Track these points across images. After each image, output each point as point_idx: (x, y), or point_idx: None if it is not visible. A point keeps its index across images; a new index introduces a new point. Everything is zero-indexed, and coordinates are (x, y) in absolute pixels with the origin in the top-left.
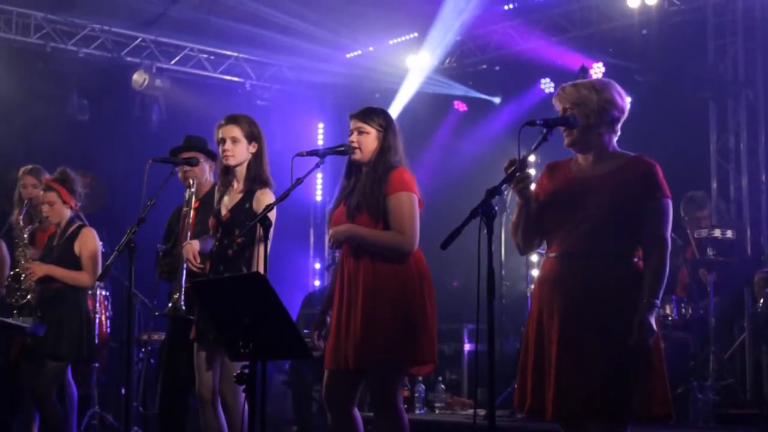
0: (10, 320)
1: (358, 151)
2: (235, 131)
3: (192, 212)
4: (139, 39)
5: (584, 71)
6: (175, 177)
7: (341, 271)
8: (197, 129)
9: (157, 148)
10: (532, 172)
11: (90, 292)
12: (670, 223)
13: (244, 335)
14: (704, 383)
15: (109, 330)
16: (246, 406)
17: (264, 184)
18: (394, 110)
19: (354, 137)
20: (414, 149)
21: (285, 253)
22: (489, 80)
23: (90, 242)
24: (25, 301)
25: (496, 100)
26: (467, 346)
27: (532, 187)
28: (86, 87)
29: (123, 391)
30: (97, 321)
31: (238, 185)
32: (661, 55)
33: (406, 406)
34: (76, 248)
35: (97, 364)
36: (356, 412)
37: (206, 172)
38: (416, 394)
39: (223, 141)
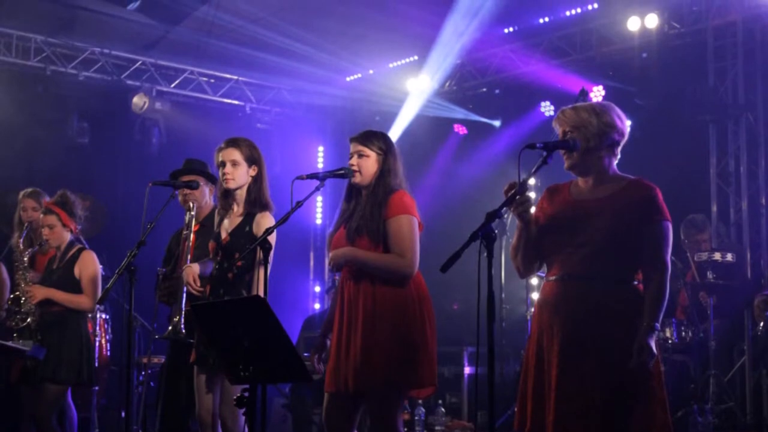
0: (10, 343)
1: (358, 174)
2: (235, 154)
3: (192, 235)
4: (139, 62)
5: (584, 94)
6: (175, 200)
7: (341, 295)
8: (197, 152)
9: (157, 171)
10: (532, 195)
11: (90, 315)
12: (670, 246)
13: (244, 358)
14: (704, 406)
15: (109, 353)
16: (246, 430)
17: (264, 207)
18: (394, 133)
19: (354, 160)
20: (414, 172)
21: (285, 276)
22: (489, 103)
23: (90, 265)
24: (25, 324)
25: (496, 123)
26: (467, 369)
27: (532, 210)
28: (86, 110)
29: (123, 414)
30: (97, 344)
31: (238, 208)
32: (661, 78)
33: (406, 429)
34: (76, 271)
35: (97, 388)
36: None
37: (206, 196)
38: (416, 417)
39: (223, 164)
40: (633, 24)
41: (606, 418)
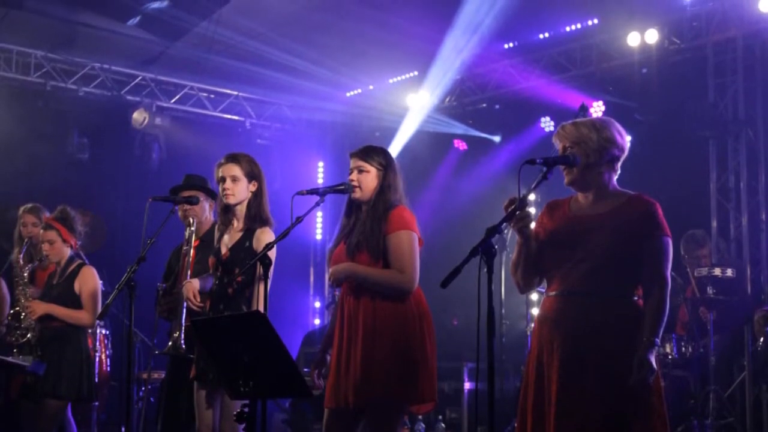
0: (10, 359)
1: (358, 189)
2: (235, 170)
3: (192, 251)
4: (139, 77)
5: (584, 110)
6: (175, 216)
7: (341, 310)
8: (197, 168)
9: (157, 187)
10: (532, 210)
11: (90, 330)
12: (670, 261)
13: (244, 374)
14: (704, 422)
15: (109, 369)
16: None
17: (264, 222)
18: (394, 149)
19: (354, 176)
20: (414, 188)
21: (285, 291)
22: (489, 119)
23: (90, 281)
24: (25, 339)
25: (496, 138)
26: (467, 385)
27: (532, 225)
28: (86, 125)
29: (123, 429)
30: (97, 360)
31: (238, 224)
32: (661, 93)
33: None
34: (76, 287)
35: (97, 403)
36: None
37: (206, 211)
38: None
39: (223, 180)
40: (633, 39)
41: None
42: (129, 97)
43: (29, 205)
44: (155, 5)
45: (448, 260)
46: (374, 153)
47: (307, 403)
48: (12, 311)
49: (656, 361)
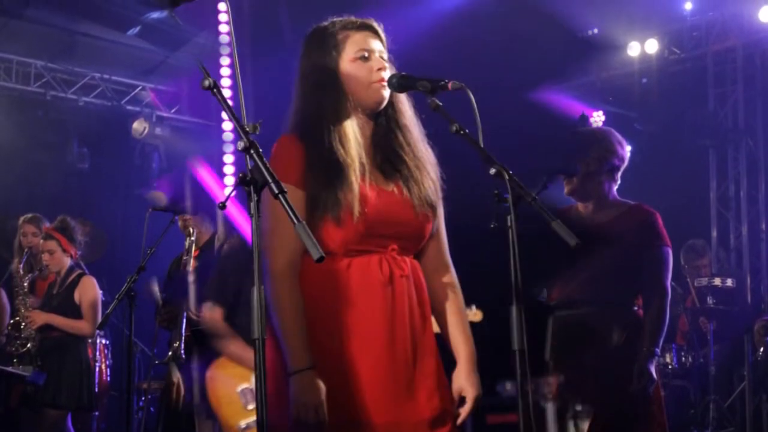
0: (10, 369)
1: None
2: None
3: (192, 261)
4: (139, 87)
5: (584, 119)
6: (175, 225)
7: None
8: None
9: None
10: None
11: (90, 340)
12: (670, 271)
13: None
14: None
15: (109, 378)
16: None
17: None
18: None
19: None
20: None
21: None
22: None
23: (90, 291)
24: (25, 349)
25: None
26: None
27: None
28: (86, 135)
29: None
30: (97, 369)
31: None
32: (661, 103)
33: None
34: (76, 297)
35: (97, 413)
36: None
37: (206, 221)
38: None
39: None
40: (633, 49)
41: None
42: (129, 107)
43: (29, 215)
44: (155, 15)
45: None
46: None
47: None
48: (12, 321)
49: (656, 371)
